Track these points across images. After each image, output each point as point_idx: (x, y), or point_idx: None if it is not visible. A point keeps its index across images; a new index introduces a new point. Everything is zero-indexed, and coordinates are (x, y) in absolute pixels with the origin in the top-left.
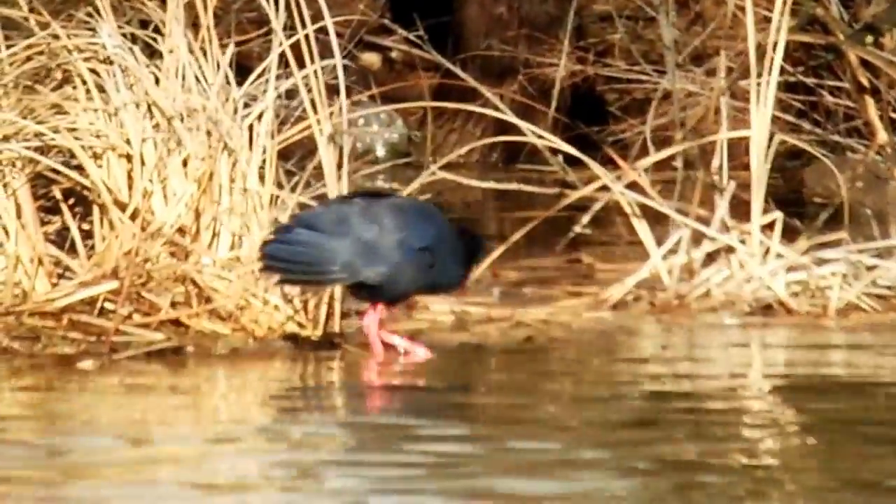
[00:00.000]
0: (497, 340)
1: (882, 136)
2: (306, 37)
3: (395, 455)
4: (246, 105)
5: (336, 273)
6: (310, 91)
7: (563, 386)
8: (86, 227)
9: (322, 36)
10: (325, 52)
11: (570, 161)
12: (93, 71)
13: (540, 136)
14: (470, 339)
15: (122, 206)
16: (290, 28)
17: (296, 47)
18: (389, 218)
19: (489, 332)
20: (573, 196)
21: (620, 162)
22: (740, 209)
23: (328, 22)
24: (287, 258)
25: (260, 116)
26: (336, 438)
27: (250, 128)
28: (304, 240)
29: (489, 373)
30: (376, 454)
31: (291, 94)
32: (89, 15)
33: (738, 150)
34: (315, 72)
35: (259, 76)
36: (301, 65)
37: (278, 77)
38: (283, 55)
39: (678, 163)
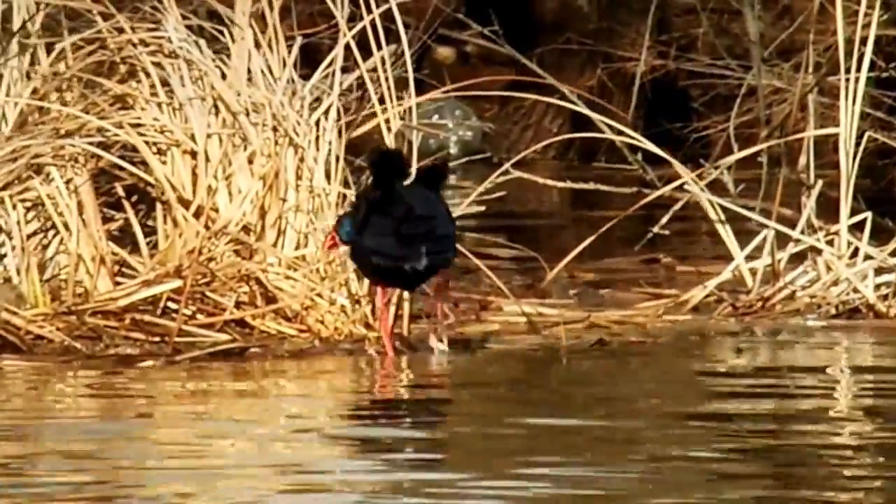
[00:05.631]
0: (566, 343)
1: None
2: (373, 27)
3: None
4: (316, 100)
5: (420, 259)
6: (377, 85)
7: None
8: (149, 224)
9: (391, 25)
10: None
11: (650, 158)
12: (157, 65)
13: (619, 133)
14: (542, 341)
15: (186, 204)
16: (359, 20)
17: (366, 42)
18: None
19: (561, 334)
20: (652, 195)
21: (702, 160)
22: (828, 209)
23: (395, 11)
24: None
25: (326, 112)
26: (404, 440)
27: (317, 124)
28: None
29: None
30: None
31: (364, 87)
32: (154, 8)
33: (826, 149)
34: (383, 65)
35: (326, 69)
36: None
37: (346, 71)
38: (352, 49)
39: (763, 161)
